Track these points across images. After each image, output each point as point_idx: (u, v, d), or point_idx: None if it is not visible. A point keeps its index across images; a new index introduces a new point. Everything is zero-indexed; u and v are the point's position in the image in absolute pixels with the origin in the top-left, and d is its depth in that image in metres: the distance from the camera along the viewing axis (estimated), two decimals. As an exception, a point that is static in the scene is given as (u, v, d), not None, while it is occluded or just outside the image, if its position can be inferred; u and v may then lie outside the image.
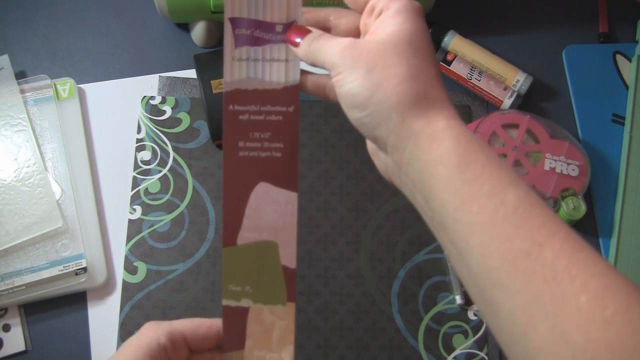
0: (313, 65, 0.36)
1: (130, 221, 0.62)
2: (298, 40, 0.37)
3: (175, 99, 0.66)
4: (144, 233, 0.61)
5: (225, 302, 0.38)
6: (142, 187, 0.63)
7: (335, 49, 0.35)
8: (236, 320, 0.38)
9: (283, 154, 0.37)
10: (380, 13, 0.35)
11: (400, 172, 0.35)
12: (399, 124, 0.33)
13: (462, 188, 0.32)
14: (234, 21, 0.37)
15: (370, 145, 0.38)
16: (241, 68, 0.37)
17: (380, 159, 0.37)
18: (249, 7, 0.37)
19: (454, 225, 0.32)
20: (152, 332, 0.38)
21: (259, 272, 0.38)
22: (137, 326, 0.58)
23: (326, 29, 0.38)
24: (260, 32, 0.37)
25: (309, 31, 0.37)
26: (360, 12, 0.37)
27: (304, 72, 0.38)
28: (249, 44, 0.37)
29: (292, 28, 0.37)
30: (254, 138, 0.37)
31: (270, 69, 0.37)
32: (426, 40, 0.35)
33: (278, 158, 0.37)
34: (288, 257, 0.38)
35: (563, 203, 0.60)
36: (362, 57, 0.34)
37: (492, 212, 0.31)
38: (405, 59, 0.33)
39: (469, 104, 0.67)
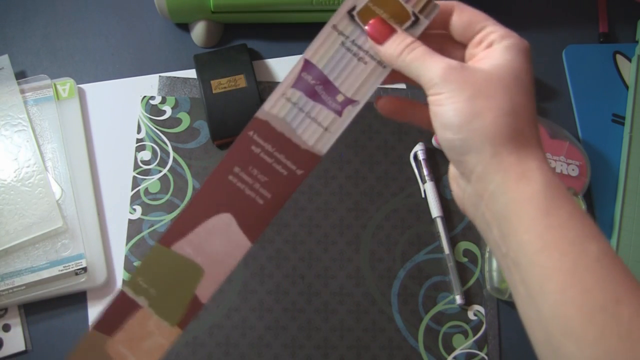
0: (400, 71, 0.36)
1: (130, 221, 0.62)
2: (382, 38, 0.36)
3: (175, 99, 0.66)
4: (144, 233, 0.61)
5: (125, 288, 0.37)
6: (142, 187, 0.63)
7: (438, 68, 0.34)
8: (123, 310, 0.37)
9: (265, 204, 0.37)
10: (490, 45, 0.35)
11: (479, 203, 0.35)
12: (490, 155, 0.33)
13: (546, 232, 0.31)
14: (307, 65, 0.36)
15: (452, 170, 0.38)
16: (284, 107, 0.36)
17: (458, 185, 0.37)
18: (330, 62, 0.36)
19: (530, 267, 0.32)
20: None
21: (171, 285, 0.37)
22: (137, 326, 0.58)
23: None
24: (322, 90, 0.36)
25: (394, 30, 0.36)
26: (467, 43, 0.37)
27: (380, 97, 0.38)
28: (305, 93, 0.36)
29: (376, 20, 0.36)
30: (251, 174, 0.37)
31: (307, 127, 0.37)
32: (530, 80, 0.35)
33: (258, 205, 0.37)
34: (205, 290, 0.37)
35: (563, 203, 0.60)
36: (467, 82, 0.33)
37: (573, 260, 0.31)
38: (509, 94, 0.33)
39: (469, 104, 0.67)
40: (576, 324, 0.30)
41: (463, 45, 0.37)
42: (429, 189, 0.63)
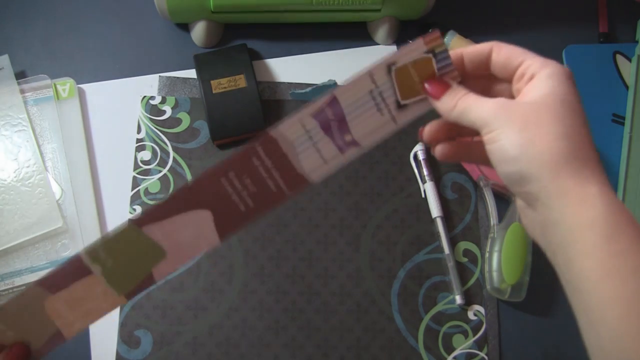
0: (456, 122, 0.37)
1: (130, 221, 0.62)
2: (439, 94, 0.37)
3: (175, 99, 0.66)
4: (144, 233, 0.61)
5: (82, 254, 0.38)
6: (142, 187, 0.63)
7: (486, 108, 0.35)
8: (74, 273, 0.38)
9: (246, 211, 0.38)
10: (531, 77, 0.36)
11: (545, 230, 0.35)
12: (550, 181, 0.33)
13: (608, 259, 0.31)
14: (334, 101, 0.38)
15: (519, 202, 0.38)
16: (297, 131, 0.38)
17: (527, 217, 0.37)
18: (353, 104, 0.38)
19: (591, 294, 0.32)
20: None
21: (130, 260, 0.38)
22: (137, 326, 0.58)
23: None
24: (335, 126, 0.38)
25: (449, 86, 0.37)
26: (510, 79, 0.38)
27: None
28: (320, 124, 0.38)
29: (433, 79, 0.38)
30: (243, 182, 0.38)
31: (310, 155, 0.38)
32: (578, 102, 0.35)
33: (239, 211, 0.38)
34: (162, 271, 0.38)
35: (563, 203, 0.60)
36: (516, 115, 0.34)
37: (635, 288, 0.30)
38: (559, 119, 0.34)
39: (469, 104, 0.67)
40: (634, 356, 0.30)
41: (509, 83, 0.38)
42: (429, 189, 0.63)
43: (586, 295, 0.32)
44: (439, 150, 0.41)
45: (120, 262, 0.38)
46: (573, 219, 0.32)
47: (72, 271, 0.38)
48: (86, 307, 0.38)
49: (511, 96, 0.37)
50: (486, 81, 0.39)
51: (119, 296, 0.38)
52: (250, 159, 0.38)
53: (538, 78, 0.35)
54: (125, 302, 0.39)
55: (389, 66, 0.38)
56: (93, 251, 0.38)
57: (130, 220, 0.37)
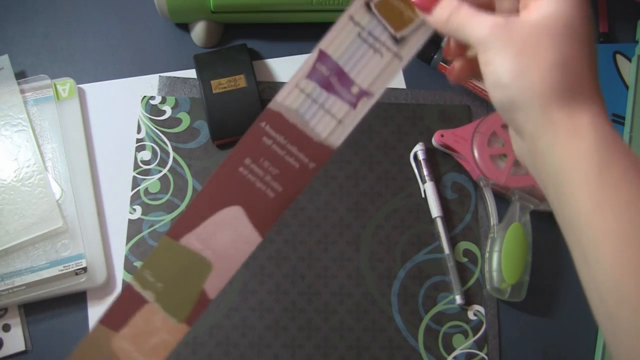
0: (451, 37, 0.35)
1: (130, 221, 0.62)
2: (429, 5, 0.35)
3: (175, 99, 0.66)
4: (144, 233, 0.61)
5: (132, 281, 0.36)
6: (142, 187, 0.63)
7: (483, 27, 0.33)
8: (129, 304, 0.36)
9: (276, 197, 0.36)
10: None
11: (534, 160, 0.34)
12: (539, 112, 0.32)
13: (599, 191, 0.30)
14: (322, 55, 0.35)
15: (511, 130, 0.37)
16: (297, 98, 0.35)
17: (518, 145, 0.36)
18: (345, 53, 0.35)
19: (584, 228, 0.30)
20: None
21: (179, 279, 0.36)
22: (137, 326, 0.58)
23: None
24: (336, 81, 0.36)
25: None
26: None
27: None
28: (319, 84, 0.35)
29: None
30: (262, 165, 0.35)
31: (321, 119, 0.36)
32: (585, 26, 0.32)
33: (269, 198, 0.36)
34: (213, 285, 0.36)
35: (563, 203, 0.60)
36: (513, 39, 0.32)
37: (628, 221, 0.29)
38: (558, 45, 0.32)
39: (469, 104, 0.67)
40: (632, 290, 0.28)
41: None
42: (429, 189, 0.63)
43: (578, 229, 0.31)
44: (453, 75, 0.39)
45: (170, 283, 0.36)
46: (562, 151, 0.31)
47: (127, 301, 0.36)
48: (152, 343, 0.36)
49: (516, 11, 0.35)
50: None
51: (180, 324, 0.36)
52: (261, 140, 0.35)
53: None
54: (187, 329, 0.36)
55: (366, 3, 0.35)
56: (140, 276, 0.36)
57: (164, 235, 0.36)
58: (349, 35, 0.36)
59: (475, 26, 0.33)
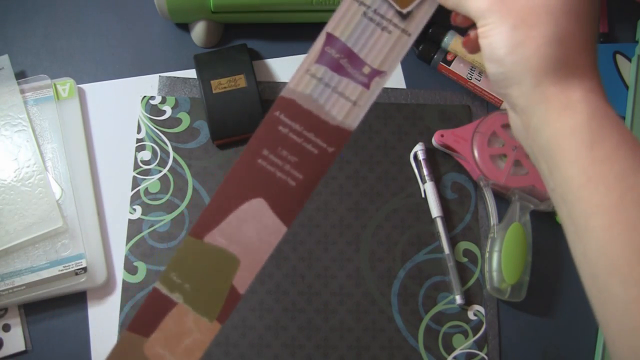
0: (454, 10, 0.35)
1: (130, 221, 0.62)
2: None
3: (175, 99, 0.66)
4: (144, 233, 0.61)
5: (158, 285, 0.36)
6: (142, 187, 0.63)
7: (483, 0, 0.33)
8: (157, 308, 0.36)
9: (297, 186, 0.35)
10: None
11: (526, 134, 0.34)
12: (532, 87, 0.32)
13: (590, 166, 0.30)
14: (330, 38, 0.35)
15: (505, 103, 0.37)
16: (309, 84, 0.35)
17: (512, 119, 0.36)
18: (353, 33, 0.35)
19: (576, 203, 0.30)
20: None
21: (207, 278, 0.36)
22: (137, 326, 0.58)
23: None
24: (347, 63, 0.35)
25: None
26: None
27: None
28: (330, 67, 0.35)
29: None
30: (280, 155, 0.35)
31: (335, 102, 0.35)
32: (584, 4, 0.32)
33: (291, 187, 0.35)
34: (242, 280, 0.36)
35: (563, 203, 0.60)
36: (511, 11, 0.32)
37: (619, 195, 0.29)
38: (555, 19, 0.31)
39: (469, 104, 0.67)
40: (622, 263, 0.28)
41: None
42: (429, 189, 0.63)
43: (571, 203, 0.31)
44: (467, 40, 0.39)
45: (198, 283, 0.35)
46: (554, 126, 0.31)
47: (155, 305, 0.35)
48: (185, 344, 0.36)
49: None
50: None
51: (212, 322, 0.36)
52: (277, 129, 0.35)
53: None
54: (219, 326, 0.36)
55: None
56: (166, 278, 0.35)
57: (187, 234, 0.35)
58: (354, 16, 0.35)
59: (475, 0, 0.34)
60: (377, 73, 0.36)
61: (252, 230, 0.35)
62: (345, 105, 0.35)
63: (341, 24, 0.35)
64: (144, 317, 0.36)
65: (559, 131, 0.31)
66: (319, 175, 0.35)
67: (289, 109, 0.35)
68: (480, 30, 0.34)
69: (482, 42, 0.33)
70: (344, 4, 0.35)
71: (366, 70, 0.35)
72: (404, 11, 0.35)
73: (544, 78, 0.31)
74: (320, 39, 0.35)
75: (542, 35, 0.31)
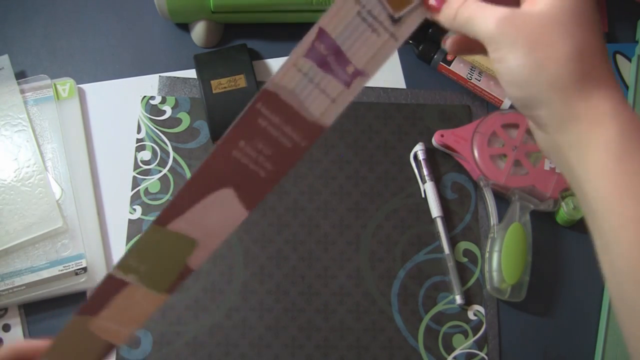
0: (458, 32, 0.35)
1: (130, 221, 0.62)
2: (436, 3, 0.34)
3: (175, 99, 0.66)
4: (144, 233, 0.61)
5: (114, 272, 0.36)
6: (142, 187, 0.63)
7: (490, 21, 0.32)
8: (108, 291, 0.36)
9: (266, 176, 0.35)
10: None
11: (559, 152, 0.34)
12: (561, 106, 0.32)
13: (621, 180, 0.30)
14: (322, 33, 0.35)
15: (531, 123, 0.36)
16: (294, 78, 0.35)
17: (540, 138, 0.36)
18: (344, 32, 0.35)
19: (605, 216, 0.31)
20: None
21: (162, 258, 0.36)
22: (137, 326, 0.58)
23: None
24: (333, 60, 0.35)
25: None
26: None
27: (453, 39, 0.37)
28: (316, 63, 0.35)
29: None
30: (256, 147, 0.35)
31: (315, 98, 0.35)
32: (591, 9, 0.32)
33: (260, 177, 0.36)
34: (198, 259, 0.36)
35: (563, 203, 0.60)
36: (523, 33, 0.32)
37: None
38: (570, 35, 0.31)
39: (469, 104, 0.67)
40: None
41: None
42: (429, 189, 0.63)
43: (600, 216, 0.31)
44: (449, 44, 0.38)
45: (153, 264, 0.36)
46: (586, 142, 0.31)
47: (108, 290, 0.36)
48: (129, 314, 0.36)
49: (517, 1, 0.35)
50: None
51: (160, 294, 0.36)
52: (256, 121, 0.35)
53: None
54: (167, 297, 0.37)
55: None
56: (123, 265, 0.36)
57: (152, 223, 0.36)
58: (348, 13, 0.35)
59: (483, 21, 0.33)
60: (359, 73, 0.35)
61: (215, 217, 0.36)
62: (324, 102, 0.35)
63: (334, 20, 0.35)
64: (93, 300, 0.36)
65: (591, 146, 0.31)
66: (288, 168, 0.36)
67: (271, 102, 0.35)
68: (493, 55, 0.33)
69: (499, 67, 0.33)
70: (340, 0, 0.35)
71: (350, 69, 0.35)
72: (396, 15, 0.35)
73: (572, 95, 0.31)
74: (312, 33, 0.35)
75: (562, 53, 0.31)
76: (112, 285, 0.36)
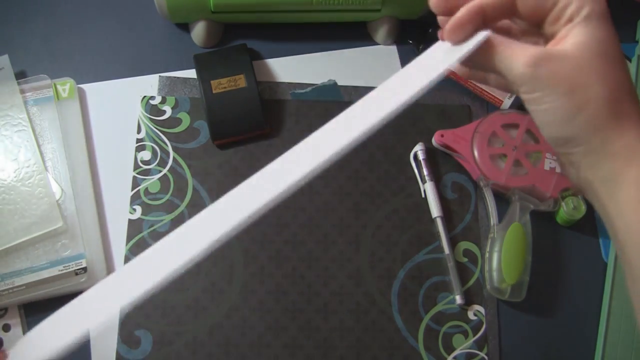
0: (483, 69, 0.36)
1: (130, 221, 0.62)
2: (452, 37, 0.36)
3: (175, 99, 0.66)
4: (144, 233, 0.61)
5: None
6: (142, 187, 0.63)
7: (523, 62, 0.33)
8: None
9: None
10: (570, 19, 0.34)
11: (590, 188, 0.35)
12: (599, 145, 0.33)
13: None
14: None
15: (563, 159, 0.37)
16: None
17: (572, 175, 0.37)
18: None
19: (634, 249, 0.32)
20: None
21: None
22: (137, 326, 0.58)
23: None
24: None
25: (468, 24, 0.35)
26: (541, 21, 0.35)
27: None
28: None
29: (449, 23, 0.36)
30: None
31: None
32: (618, 48, 0.34)
33: None
34: None
35: (563, 203, 0.60)
36: (559, 76, 0.33)
37: None
38: (603, 76, 0.33)
39: (469, 104, 0.67)
40: None
41: (534, 29, 0.36)
42: (429, 189, 0.63)
43: (630, 250, 0.32)
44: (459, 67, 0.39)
45: None
46: (620, 178, 0.32)
47: None
48: None
49: (538, 41, 0.36)
50: (506, 28, 0.37)
51: None
52: None
53: (576, 22, 0.33)
54: None
55: None
56: None
57: None
58: None
59: (513, 61, 0.33)
60: None
61: None
62: None
63: None
64: None
65: (623, 182, 0.32)
66: None
67: None
68: (527, 97, 0.34)
69: (536, 108, 0.34)
70: None
71: None
72: None
73: (610, 134, 0.32)
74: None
75: (599, 95, 0.32)
76: None
